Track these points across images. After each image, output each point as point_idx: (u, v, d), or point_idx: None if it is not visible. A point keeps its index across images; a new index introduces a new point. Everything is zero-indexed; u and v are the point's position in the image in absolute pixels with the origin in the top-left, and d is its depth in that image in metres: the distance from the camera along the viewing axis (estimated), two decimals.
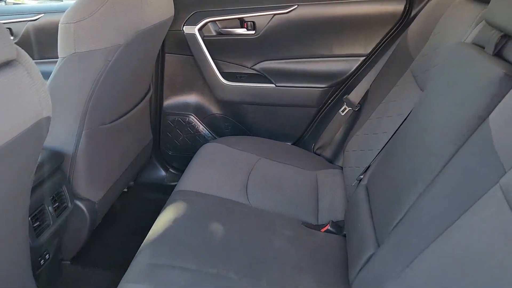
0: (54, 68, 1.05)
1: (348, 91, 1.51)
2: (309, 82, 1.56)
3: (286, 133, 1.70)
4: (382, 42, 1.48)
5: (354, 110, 1.46)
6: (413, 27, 1.33)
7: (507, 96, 0.65)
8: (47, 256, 1.11)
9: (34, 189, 0.99)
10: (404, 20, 1.44)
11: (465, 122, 0.72)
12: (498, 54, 0.78)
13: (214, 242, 1.00)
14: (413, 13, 1.42)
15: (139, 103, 1.42)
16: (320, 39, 1.51)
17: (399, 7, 1.43)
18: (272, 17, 1.50)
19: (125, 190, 1.72)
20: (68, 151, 1.13)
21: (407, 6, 1.42)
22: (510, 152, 0.56)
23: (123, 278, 0.89)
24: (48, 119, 0.71)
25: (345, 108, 1.48)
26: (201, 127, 1.74)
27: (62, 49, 1.02)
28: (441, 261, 0.61)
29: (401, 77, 1.23)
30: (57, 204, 1.10)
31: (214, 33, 1.58)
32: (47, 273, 1.15)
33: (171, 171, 1.84)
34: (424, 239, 0.67)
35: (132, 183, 1.76)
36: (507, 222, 0.51)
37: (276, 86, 1.58)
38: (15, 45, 0.62)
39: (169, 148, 1.79)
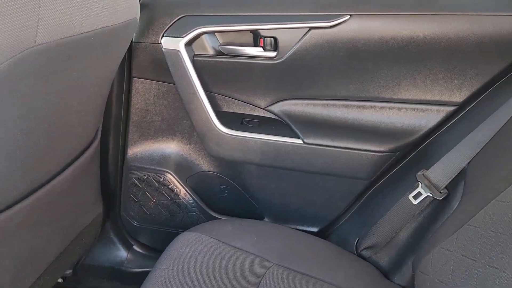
0: None
1: (426, 163, 0.90)
2: (358, 141, 0.97)
3: (313, 214, 1.09)
4: (493, 84, 0.88)
5: (435, 199, 0.85)
6: None
7: None
8: None
9: None
10: None
11: None
12: None
13: None
14: None
15: (68, 165, 0.83)
16: (383, 73, 0.92)
17: None
18: (307, 32, 0.91)
19: (60, 280, 1.12)
20: None
21: None
22: None
23: None
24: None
25: (419, 193, 0.87)
26: (182, 191, 1.15)
27: None
28: None
29: None
30: None
31: (210, 51, 0.99)
32: None
33: (135, 250, 1.23)
34: None
35: (69, 271, 1.15)
36: None
37: (304, 143, 0.98)
38: None
39: (133, 216, 1.19)
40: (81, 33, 0.59)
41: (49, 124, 0.67)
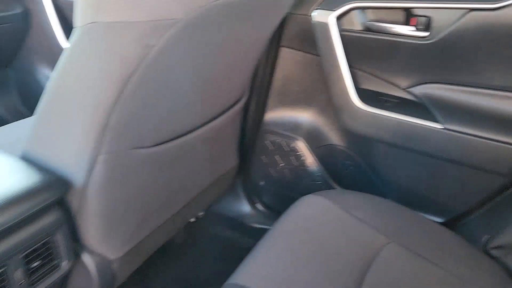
0: (64, 54, 0.61)
1: None
2: (505, 133, 0.90)
3: (439, 203, 1.06)
4: None
5: None
6: None
7: None
8: None
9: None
10: None
11: None
12: None
13: None
14: None
15: (220, 115, 0.94)
16: None
17: None
18: (466, 13, 0.87)
19: (192, 220, 1.27)
20: (75, 180, 0.69)
21: None
22: None
23: None
24: None
25: None
26: (310, 159, 1.20)
27: (78, 15, 0.57)
28: None
29: None
30: (37, 262, 0.68)
31: (359, 27, 1.01)
32: None
33: (257, 208, 1.33)
34: None
35: (201, 213, 1.30)
36: None
37: (443, 128, 0.95)
38: None
39: (260, 177, 1.29)
40: None
41: (212, 75, 0.77)
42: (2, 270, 0.61)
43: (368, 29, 1.01)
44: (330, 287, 0.72)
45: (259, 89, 1.15)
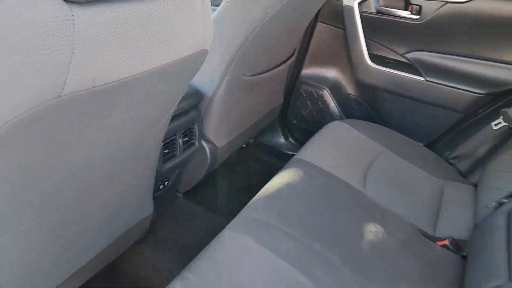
0: (216, 10, 1.08)
1: (509, 104, 1.32)
2: (464, 84, 1.40)
3: (420, 132, 1.56)
4: None
5: (510, 127, 1.28)
6: None
7: None
8: (166, 183, 1.20)
9: (172, 119, 1.06)
10: None
11: None
12: None
13: (322, 218, 0.97)
14: None
15: (280, 64, 1.42)
16: (493, 39, 1.33)
17: None
18: (444, 4, 1.36)
19: (244, 145, 1.77)
20: (207, 93, 1.18)
21: None
22: None
23: (228, 225, 0.91)
24: (205, 52, 0.72)
25: (499, 123, 1.30)
26: (332, 104, 1.70)
27: None
28: None
29: None
30: (186, 138, 1.17)
31: (373, 10, 1.49)
32: (162, 199, 1.24)
33: (290, 140, 1.84)
34: None
35: (252, 140, 1.80)
36: None
37: (425, 80, 1.45)
38: None
39: (294, 117, 1.79)
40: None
41: (280, 34, 1.25)
42: (174, 136, 1.10)
43: (379, 12, 1.49)
44: (348, 170, 1.17)
45: (300, 51, 1.63)
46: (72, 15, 0.44)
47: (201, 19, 0.66)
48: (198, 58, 0.71)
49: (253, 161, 1.79)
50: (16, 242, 0.67)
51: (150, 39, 0.56)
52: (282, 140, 1.83)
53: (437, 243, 1.03)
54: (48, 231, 0.72)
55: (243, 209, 0.96)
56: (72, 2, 0.44)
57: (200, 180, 1.38)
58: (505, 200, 0.98)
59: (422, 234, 1.04)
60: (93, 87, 0.50)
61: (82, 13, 0.45)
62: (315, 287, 0.80)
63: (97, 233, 0.89)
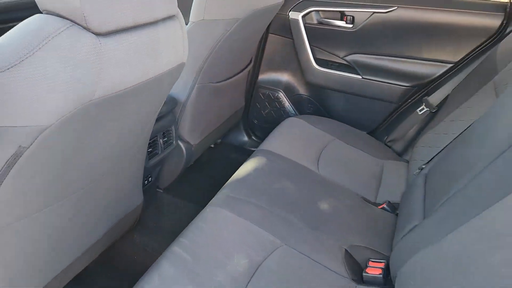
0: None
1: (429, 93, 1.61)
2: (394, 79, 1.69)
3: (363, 122, 1.84)
4: (472, 52, 1.55)
5: (431, 111, 1.57)
6: (505, 43, 1.40)
7: None
8: (150, 179, 1.39)
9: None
10: (498, 35, 1.50)
11: None
12: None
13: (284, 194, 1.20)
14: (508, 29, 1.48)
15: (240, 72, 1.65)
16: (413, 41, 1.62)
17: (496, 22, 1.49)
18: (372, 14, 1.64)
19: (212, 146, 1.98)
20: (181, 99, 1.39)
21: (504, 22, 1.48)
22: None
23: (208, 203, 1.13)
24: (183, 64, 0.92)
25: (423, 108, 1.59)
26: (287, 104, 1.94)
27: (193, 15, 1.27)
28: (473, 235, 0.74)
29: (482, 87, 1.32)
30: (165, 139, 1.37)
31: (315, 22, 1.76)
32: (146, 194, 1.43)
33: (253, 138, 2.07)
34: (463, 216, 0.80)
35: (219, 140, 2.01)
36: None
37: (362, 78, 1.73)
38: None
39: (255, 117, 2.02)
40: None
41: (240, 47, 1.49)
42: (156, 137, 1.30)
43: (320, 23, 1.76)
44: (303, 156, 1.42)
45: (256, 59, 1.87)
46: (100, 43, 0.65)
47: (181, 39, 0.87)
48: (178, 69, 0.92)
49: (222, 158, 2.00)
50: (36, 223, 0.79)
51: (148, 57, 0.77)
52: (245, 138, 2.06)
53: (378, 207, 1.29)
54: (60, 216, 0.87)
55: (220, 190, 1.18)
56: (99, 34, 0.65)
57: (178, 177, 1.57)
58: (423, 166, 1.25)
59: (366, 201, 1.29)
60: (113, 93, 0.71)
61: (106, 41, 0.66)
62: (282, 243, 1.02)
63: (98, 219, 1.07)
